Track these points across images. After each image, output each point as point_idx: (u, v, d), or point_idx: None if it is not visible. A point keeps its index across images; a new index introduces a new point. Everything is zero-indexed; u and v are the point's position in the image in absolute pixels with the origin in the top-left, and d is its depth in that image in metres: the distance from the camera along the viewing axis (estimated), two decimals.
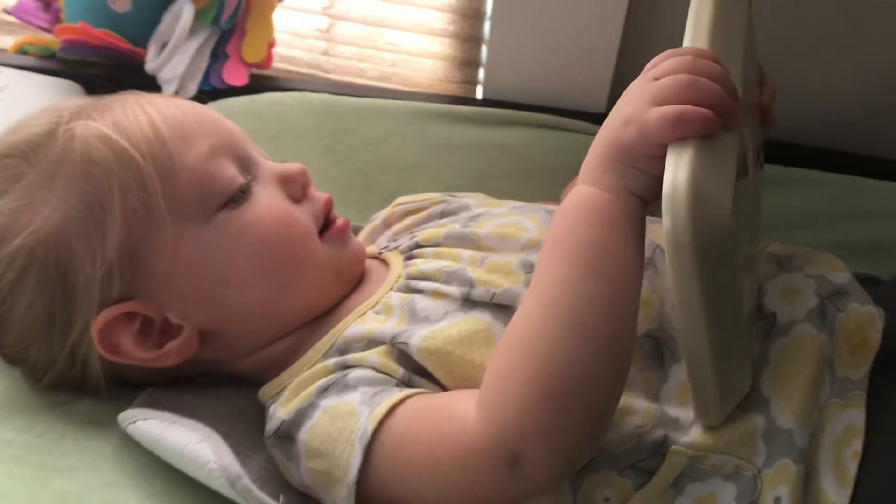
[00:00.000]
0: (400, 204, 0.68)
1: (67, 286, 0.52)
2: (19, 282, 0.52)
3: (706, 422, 0.48)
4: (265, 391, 0.56)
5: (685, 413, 0.49)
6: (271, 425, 0.52)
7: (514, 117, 0.82)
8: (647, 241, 0.48)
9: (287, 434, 0.51)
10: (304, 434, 0.50)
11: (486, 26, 0.91)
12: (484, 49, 0.93)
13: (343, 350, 0.53)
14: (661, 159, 0.42)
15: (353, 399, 0.49)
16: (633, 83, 0.47)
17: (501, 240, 0.57)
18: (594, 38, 0.82)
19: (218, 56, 0.87)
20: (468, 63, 0.94)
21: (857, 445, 0.48)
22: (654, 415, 0.49)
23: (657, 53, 0.93)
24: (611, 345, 0.44)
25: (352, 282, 0.59)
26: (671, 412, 0.49)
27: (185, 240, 0.53)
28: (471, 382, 0.50)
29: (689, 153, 0.41)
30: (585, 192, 0.46)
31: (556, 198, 0.79)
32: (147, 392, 0.56)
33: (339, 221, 0.59)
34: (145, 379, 0.56)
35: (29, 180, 0.52)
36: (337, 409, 0.49)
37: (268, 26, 0.88)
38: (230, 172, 0.54)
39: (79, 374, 0.54)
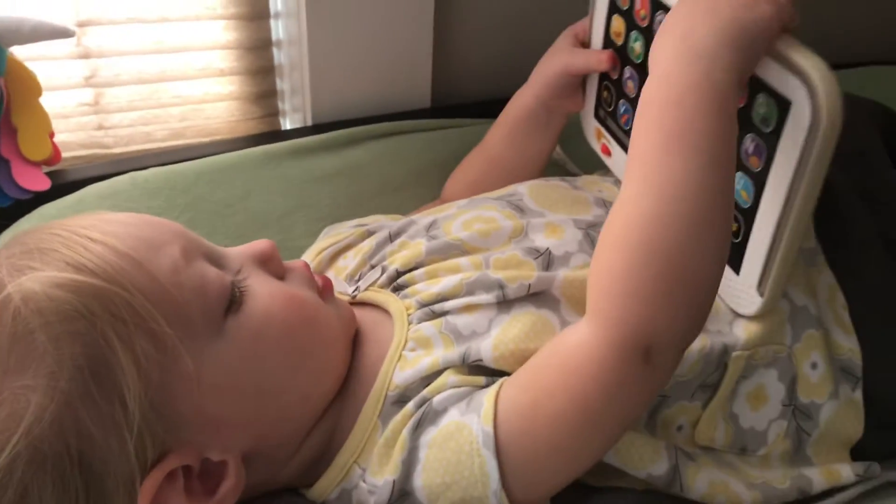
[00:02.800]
0: (324, 250, 0.64)
1: (93, 476, 0.41)
2: (24, 499, 0.40)
3: (759, 311, 0.53)
4: (326, 483, 0.50)
5: (721, 321, 0.55)
6: (382, 496, 0.47)
7: (359, 133, 0.80)
8: None
9: (403, 491, 0.47)
10: (420, 479, 0.47)
11: (279, 54, 0.87)
12: (278, 80, 0.88)
13: (401, 400, 0.50)
14: (773, 41, 0.46)
15: (451, 418, 0.47)
16: None
17: (486, 237, 0.57)
18: (408, 40, 0.83)
19: None
20: (265, 95, 0.89)
21: (842, 298, 0.58)
22: (707, 333, 0.53)
23: (468, 44, 0.98)
24: (727, 230, 0.46)
25: (352, 338, 0.55)
26: (711, 326, 0.54)
27: (206, 365, 0.45)
28: None
29: (809, 50, 0.46)
30: (696, 74, 0.45)
31: (428, 199, 0.80)
32: None
33: (321, 280, 0.54)
34: None
35: None
36: (441, 435, 0.47)
37: (41, 115, 0.75)
38: (214, 272, 0.47)
39: None
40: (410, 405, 0.49)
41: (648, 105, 0.47)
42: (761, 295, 0.52)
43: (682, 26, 0.47)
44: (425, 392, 0.49)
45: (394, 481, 0.47)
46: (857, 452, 0.56)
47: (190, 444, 0.45)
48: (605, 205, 0.61)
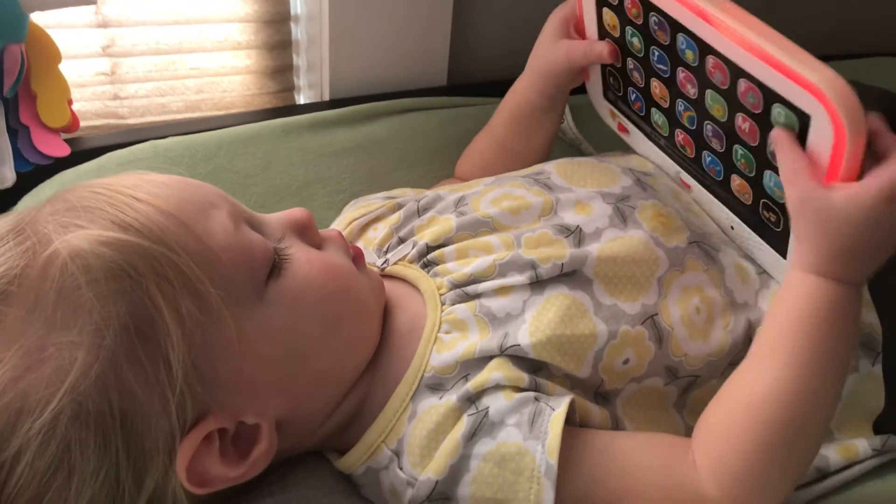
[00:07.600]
0: (354, 220, 0.64)
1: (134, 434, 0.41)
2: (65, 459, 0.40)
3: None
4: (353, 458, 0.51)
5: (748, 291, 0.56)
6: (420, 491, 0.48)
7: (377, 109, 0.80)
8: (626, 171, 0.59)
9: (443, 495, 0.48)
10: (468, 489, 0.47)
11: (296, 29, 0.87)
12: (294, 56, 0.88)
13: (436, 385, 0.51)
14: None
15: (511, 436, 0.47)
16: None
17: (516, 214, 0.57)
18: (428, 18, 0.83)
19: (16, 131, 0.71)
20: (281, 70, 0.89)
21: None
22: (728, 307, 0.55)
23: (485, 23, 0.96)
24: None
25: (383, 308, 0.55)
26: (739, 297, 0.55)
27: (248, 328, 0.45)
28: (581, 354, 0.51)
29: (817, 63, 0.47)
30: (850, 296, 0.49)
31: (445, 176, 0.80)
32: None
33: (354, 250, 0.54)
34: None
35: (30, 327, 0.41)
36: (500, 453, 0.47)
37: (60, 82, 0.74)
38: (258, 237, 0.48)
39: None
40: (454, 399, 0.49)
41: (806, 317, 0.49)
42: None
43: (848, 262, 0.49)
44: (469, 387, 0.49)
45: (437, 482, 0.47)
46: (878, 426, 0.57)
47: (227, 406, 0.45)
48: (634, 173, 0.61)
